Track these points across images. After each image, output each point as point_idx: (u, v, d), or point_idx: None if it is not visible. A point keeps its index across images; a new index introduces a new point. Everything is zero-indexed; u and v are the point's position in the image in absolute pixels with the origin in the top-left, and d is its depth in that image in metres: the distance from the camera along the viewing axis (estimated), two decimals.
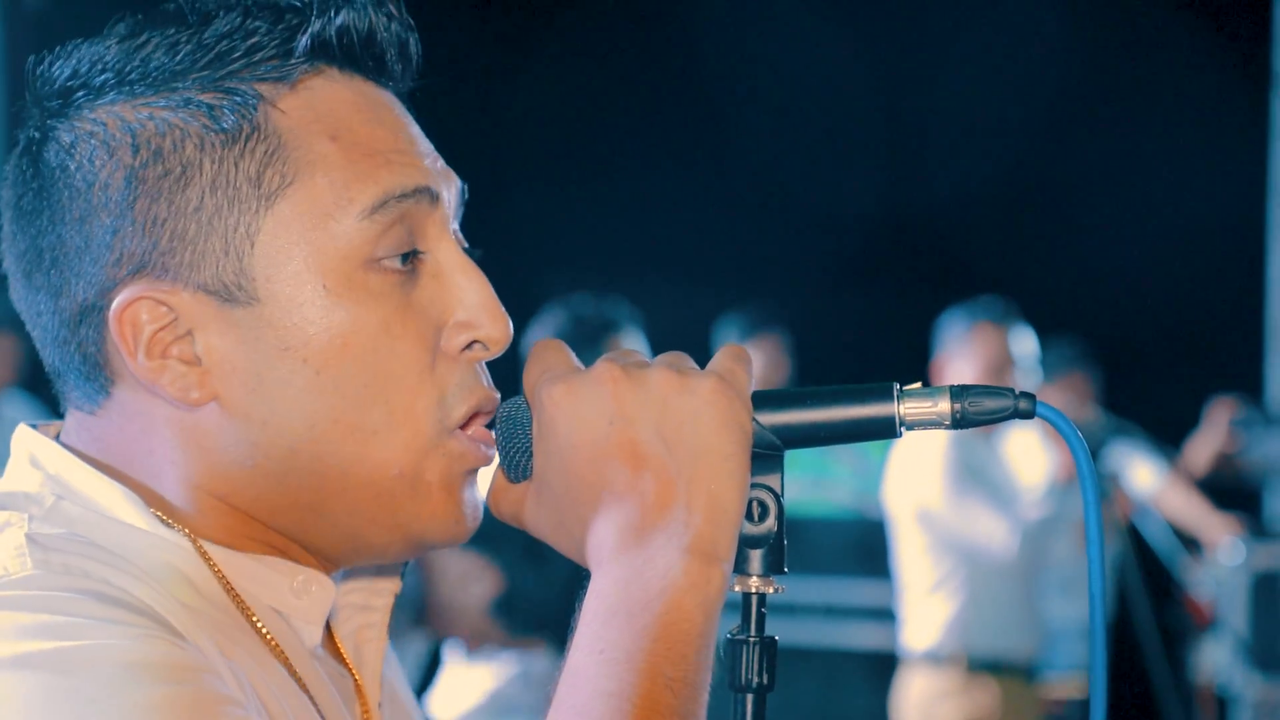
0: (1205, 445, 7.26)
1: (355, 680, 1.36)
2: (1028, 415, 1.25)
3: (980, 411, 1.25)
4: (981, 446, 5.71)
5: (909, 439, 5.73)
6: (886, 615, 6.40)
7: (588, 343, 4.44)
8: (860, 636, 6.96)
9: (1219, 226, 8.28)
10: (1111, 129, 8.84)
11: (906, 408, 1.26)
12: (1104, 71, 8.72)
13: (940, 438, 5.54)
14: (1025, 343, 5.82)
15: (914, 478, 5.65)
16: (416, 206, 1.27)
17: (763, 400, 1.27)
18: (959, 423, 1.25)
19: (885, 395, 1.26)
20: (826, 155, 8.68)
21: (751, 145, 8.85)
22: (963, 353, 5.73)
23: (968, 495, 5.50)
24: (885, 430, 1.26)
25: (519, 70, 8.82)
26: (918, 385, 1.27)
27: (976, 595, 5.61)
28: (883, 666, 6.30)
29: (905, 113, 8.95)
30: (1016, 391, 1.25)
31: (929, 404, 1.25)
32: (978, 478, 5.57)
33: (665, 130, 9.05)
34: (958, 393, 1.25)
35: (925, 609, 5.68)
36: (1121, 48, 8.77)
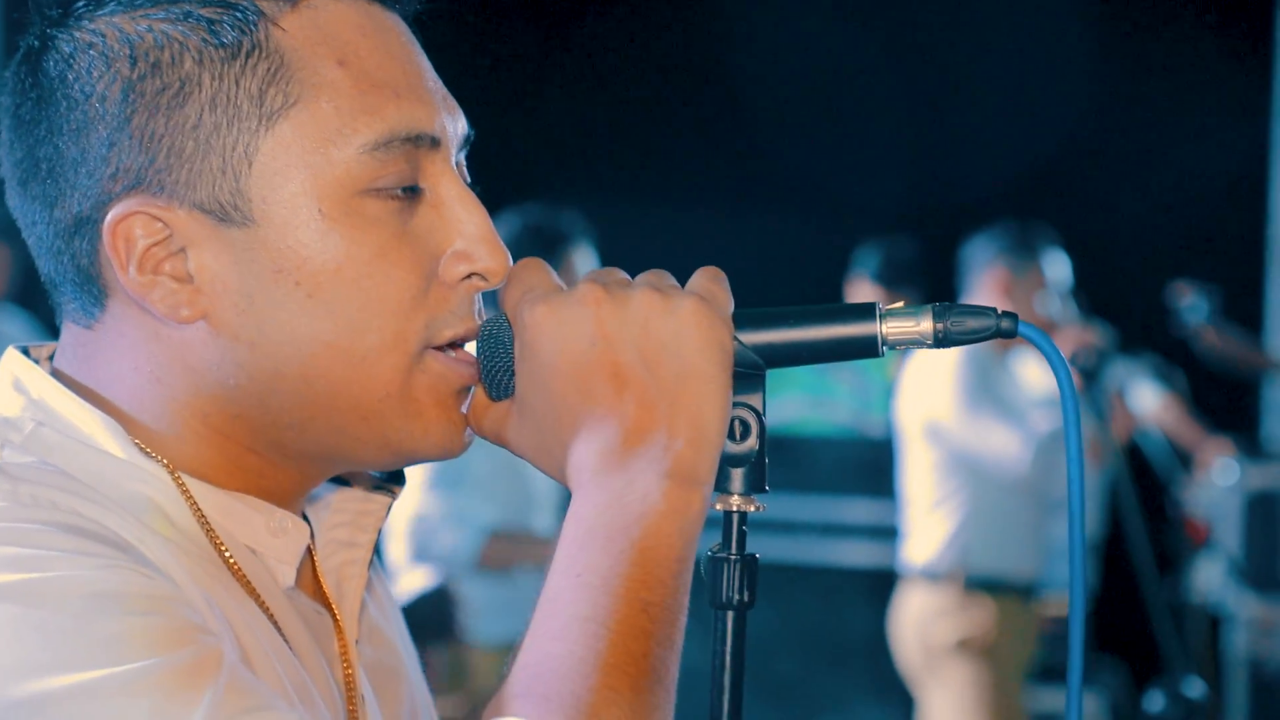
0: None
1: (335, 617, 1.36)
2: (1010, 334, 1.25)
3: (963, 330, 1.25)
4: (994, 362, 5.68)
5: (921, 355, 5.73)
6: (885, 533, 6.43)
7: (542, 254, 4.44)
8: (859, 554, 7.00)
9: (1223, 172, 8.27)
10: (1128, 113, 8.79)
11: (889, 327, 1.26)
12: (1123, 58, 8.67)
13: (953, 353, 5.52)
14: (1056, 268, 5.79)
15: (926, 393, 5.62)
16: (418, 148, 1.26)
17: (744, 320, 1.27)
18: (941, 341, 1.25)
19: (867, 314, 1.26)
20: (849, 148, 8.62)
21: (773, 137, 8.80)
22: (980, 286, 5.73)
23: (980, 410, 5.48)
24: (867, 349, 1.27)
25: (538, 55, 8.79)
26: (900, 304, 1.27)
27: (980, 513, 5.61)
28: (881, 584, 6.34)
29: (927, 108, 8.90)
30: (999, 310, 1.25)
31: (911, 323, 1.26)
32: (991, 393, 5.54)
33: (686, 118, 9.01)
34: (940, 312, 1.25)
35: (927, 525, 5.70)
36: (1136, 31, 8.72)
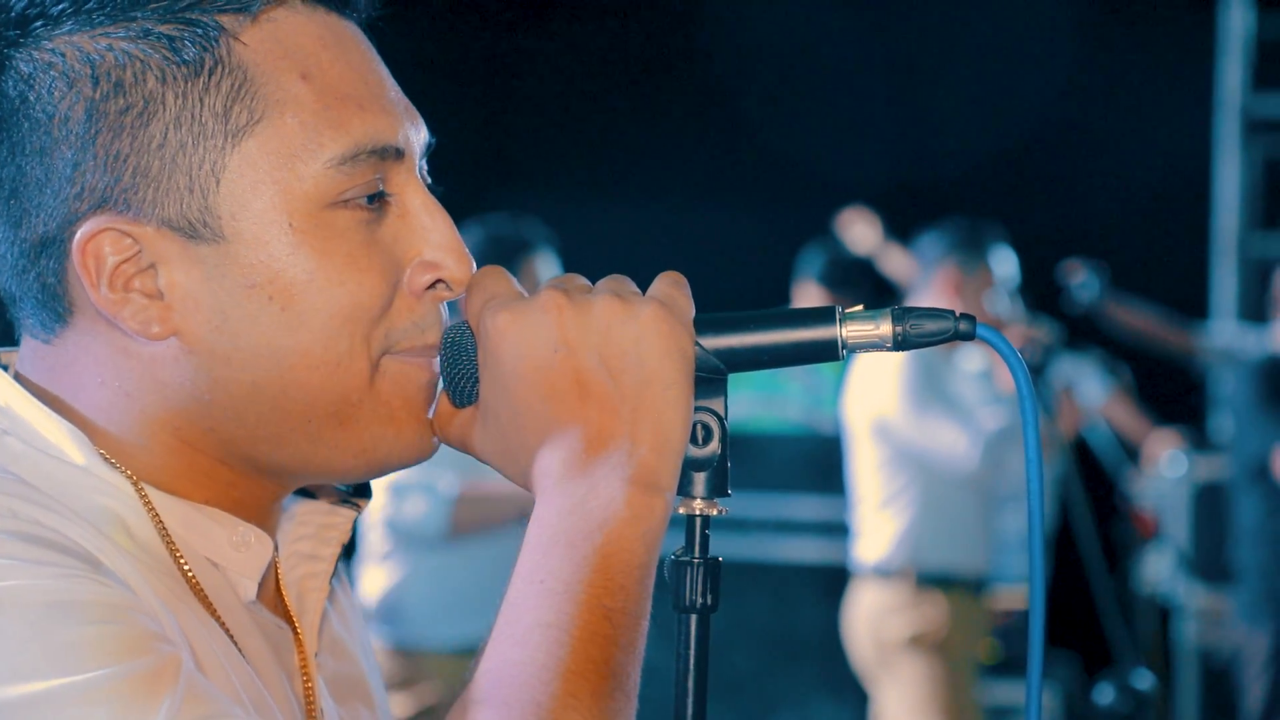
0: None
1: (295, 630, 1.36)
2: (968, 336, 1.26)
3: (921, 333, 1.26)
4: (941, 360, 5.72)
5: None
6: (837, 530, 6.46)
7: (503, 263, 4.46)
8: (811, 551, 7.02)
9: (1166, 157, 8.34)
10: (1095, 102, 8.87)
11: (849, 330, 1.27)
12: (1097, 38, 8.74)
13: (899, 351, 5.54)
14: (1004, 265, 5.83)
15: (873, 391, 5.65)
16: (384, 159, 1.26)
17: (705, 324, 1.27)
18: (900, 344, 1.26)
19: (827, 318, 1.27)
20: (832, 128, 8.65)
21: (756, 118, 8.82)
22: (930, 284, 5.76)
23: (928, 408, 5.51)
24: (827, 353, 1.28)
25: (517, 40, 8.76)
26: (859, 308, 1.28)
27: (929, 510, 5.64)
28: (833, 581, 6.37)
29: (908, 86, 8.93)
30: (957, 313, 1.26)
31: (870, 326, 1.27)
32: (937, 391, 5.58)
33: (668, 103, 9.01)
34: (899, 315, 1.26)
35: (877, 523, 5.72)
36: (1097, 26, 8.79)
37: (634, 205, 8.15)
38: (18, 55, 1.23)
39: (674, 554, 1.27)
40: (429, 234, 1.29)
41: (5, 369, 1.31)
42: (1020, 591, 6.67)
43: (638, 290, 1.27)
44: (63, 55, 1.22)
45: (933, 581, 5.64)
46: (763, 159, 8.79)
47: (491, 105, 8.56)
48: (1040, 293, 6.87)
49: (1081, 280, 6.99)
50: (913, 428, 5.54)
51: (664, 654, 1.25)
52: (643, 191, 8.56)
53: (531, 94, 8.96)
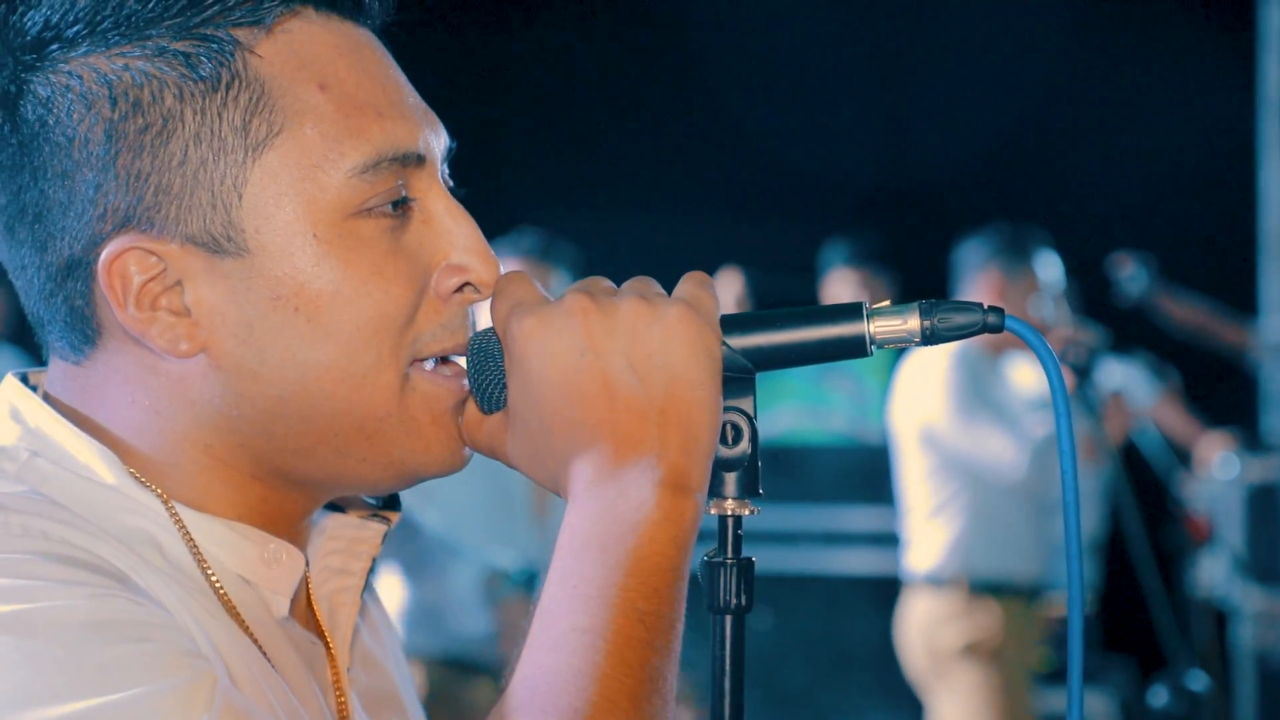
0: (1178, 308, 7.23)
1: (327, 645, 1.36)
2: (997, 329, 1.25)
3: (950, 327, 1.25)
4: (987, 366, 5.67)
5: (914, 359, 5.73)
6: (887, 540, 6.42)
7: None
8: (861, 562, 6.99)
9: (1210, 154, 8.26)
10: (1104, 81, 8.80)
11: (876, 326, 1.26)
12: (1097, 24, 8.68)
13: (945, 358, 5.52)
14: (1049, 269, 5.79)
15: (919, 399, 5.62)
16: (405, 166, 1.27)
17: (731, 324, 1.27)
18: (929, 339, 1.25)
19: (854, 314, 1.26)
20: (819, 121, 8.63)
21: (744, 113, 8.80)
22: (974, 289, 5.73)
23: (975, 416, 5.47)
24: (855, 349, 1.27)
25: (506, 32, 8.77)
26: (886, 303, 1.27)
27: (979, 518, 5.60)
28: (885, 592, 6.33)
29: (897, 77, 8.90)
30: (985, 306, 1.25)
31: (898, 321, 1.26)
32: (984, 397, 5.54)
33: (656, 109, 9.00)
34: (927, 309, 1.26)
35: (927, 532, 5.69)
36: (1117, 15, 8.73)
37: (628, 211, 8.14)
38: (35, 79, 1.24)
39: (706, 555, 1.26)
40: (454, 238, 1.29)
41: (35, 390, 1.31)
42: None
43: (663, 292, 1.26)
44: (80, 77, 1.23)
45: (986, 589, 5.60)
46: (756, 164, 8.76)
47: (479, 111, 8.56)
48: (1085, 293, 6.83)
49: (1130, 273, 6.95)
50: (960, 435, 5.50)
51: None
52: (633, 196, 8.55)
53: (516, 101, 8.95)
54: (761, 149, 8.68)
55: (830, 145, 8.43)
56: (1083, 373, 4.58)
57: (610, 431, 1.21)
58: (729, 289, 7.25)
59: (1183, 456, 7.24)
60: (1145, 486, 6.58)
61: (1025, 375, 6.04)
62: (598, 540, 1.18)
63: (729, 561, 1.26)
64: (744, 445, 1.26)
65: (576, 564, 1.18)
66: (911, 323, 1.26)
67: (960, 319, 1.25)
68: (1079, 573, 1.28)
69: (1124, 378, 6.80)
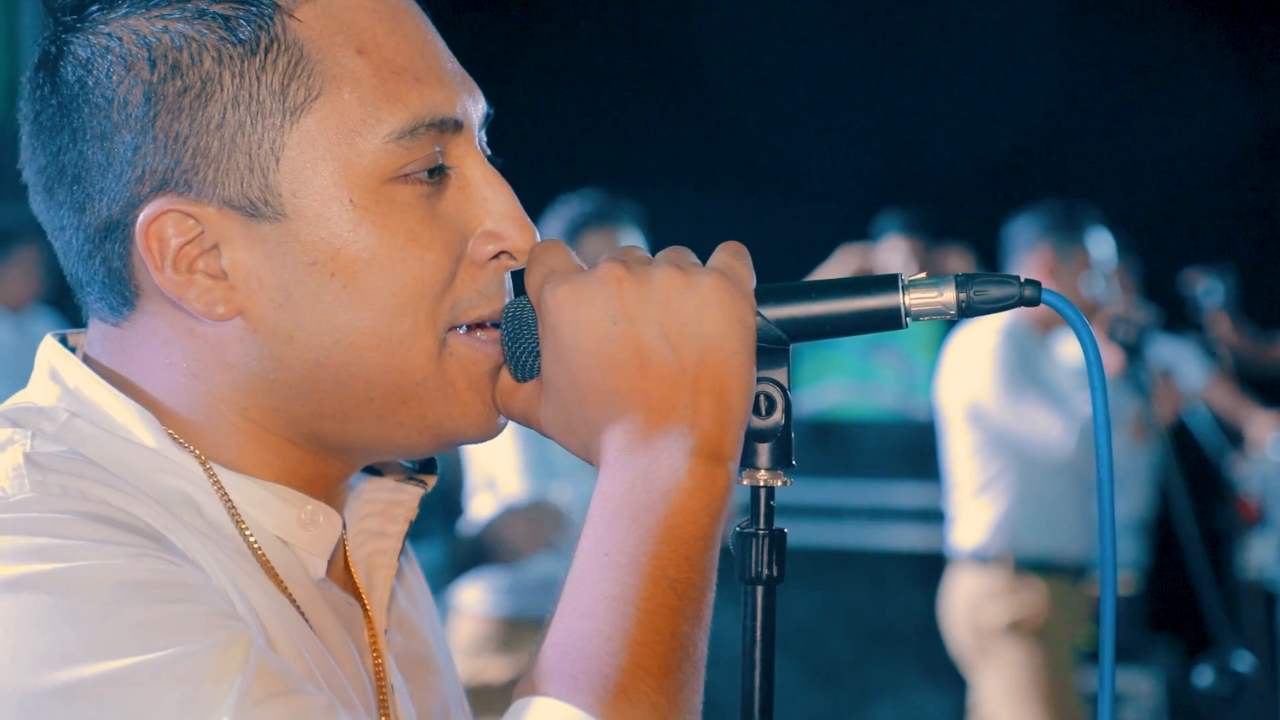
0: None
1: (365, 607, 1.37)
2: (1033, 303, 1.25)
3: (986, 299, 1.24)
4: (1035, 343, 5.64)
5: (961, 335, 5.70)
6: (933, 517, 6.41)
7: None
8: (907, 538, 6.97)
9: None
10: (1110, 89, 8.73)
11: (912, 298, 1.25)
12: (1102, 32, 8.61)
13: (993, 334, 5.49)
14: (1100, 248, 5.74)
15: (966, 376, 5.59)
16: (443, 132, 1.27)
17: (766, 295, 1.26)
18: (965, 311, 1.25)
19: (890, 286, 1.26)
20: (822, 122, 8.59)
21: (747, 112, 8.77)
22: (1024, 267, 5.69)
23: (1022, 393, 5.43)
24: (891, 321, 1.26)
25: (511, 41, 8.77)
26: (923, 275, 1.27)
27: (1026, 495, 5.58)
28: (930, 568, 6.32)
29: (901, 79, 8.85)
30: (1021, 279, 1.25)
31: (934, 293, 1.25)
32: (1032, 375, 5.50)
33: (662, 104, 8.98)
34: (963, 281, 1.25)
35: (973, 509, 5.67)
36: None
37: (645, 193, 8.15)
38: (75, 40, 1.25)
39: (738, 526, 1.26)
40: (491, 205, 1.29)
41: (75, 352, 1.32)
42: (1122, 576, 6.58)
43: (698, 261, 1.26)
44: (119, 39, 1.23)
45: (1031, 567, 5.58)
46: (771, 150, 8.73)
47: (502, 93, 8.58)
48: (1145, 273, 6.78)
49: (1206, 287, 6.90)
50: (1007, 412, 5.47)
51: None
52: (671, 171, 8.53)
53: (515, 94, 8.97)
54: (798, 132, 8.66)
55: (840, 136, 8.42)
56: (1133, 351, 4.54)
57: (643, 399, 1.21)
58: (848, 268, 7.20)
59: (1234, 437, 7.19)
60: (1196, 467, 6.53)
61: (1075, 352, 5.99)
62: (629, 508, 1.18)
63: (761, 532, 1.25)
64: (777, 416, 1.26)
65: (608, 531, 1.19)
66: (947, 295, 1.25)
67: (996, 292, 1.24)
68: (1112, 548, 1.27)
69: (1175, 358, 6.75)
